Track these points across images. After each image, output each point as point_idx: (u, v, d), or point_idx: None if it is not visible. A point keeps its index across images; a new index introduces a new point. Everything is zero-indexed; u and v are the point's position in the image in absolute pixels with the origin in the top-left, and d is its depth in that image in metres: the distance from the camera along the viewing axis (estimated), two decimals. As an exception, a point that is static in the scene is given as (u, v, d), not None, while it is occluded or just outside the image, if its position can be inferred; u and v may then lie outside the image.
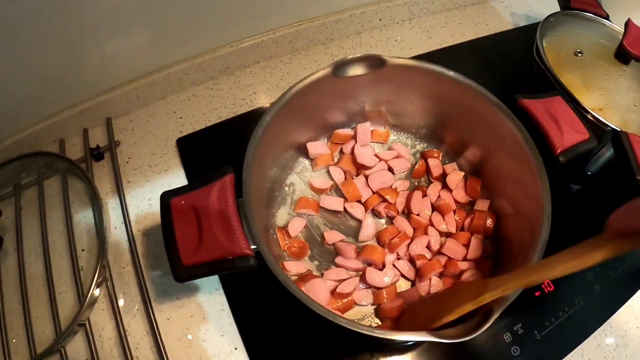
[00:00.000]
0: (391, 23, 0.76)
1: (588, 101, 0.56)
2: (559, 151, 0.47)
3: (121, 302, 0.51)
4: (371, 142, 0.60)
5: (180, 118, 0.63)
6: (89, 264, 0.53)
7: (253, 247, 0.39)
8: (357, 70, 0.50)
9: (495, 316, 0.37)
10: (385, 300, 0.49)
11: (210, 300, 0.52)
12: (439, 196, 0.57)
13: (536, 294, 0.53)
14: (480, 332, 0.36)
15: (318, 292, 0.47)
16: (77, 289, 0.51)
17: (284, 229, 0.53)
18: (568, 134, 0.48)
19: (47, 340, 0.49)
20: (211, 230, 0.38)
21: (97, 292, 0.51)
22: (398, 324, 0.48)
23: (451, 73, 0.52)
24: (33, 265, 0.53)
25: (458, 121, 0.57)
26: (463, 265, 0.51)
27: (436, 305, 0.44)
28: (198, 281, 0.52)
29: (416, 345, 0.49)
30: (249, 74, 0.67)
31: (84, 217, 0.56)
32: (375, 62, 0.50)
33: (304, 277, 0.50)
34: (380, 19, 0.75)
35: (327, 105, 0.56)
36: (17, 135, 0.58)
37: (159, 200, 0.39)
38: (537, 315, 0.51)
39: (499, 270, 0.51)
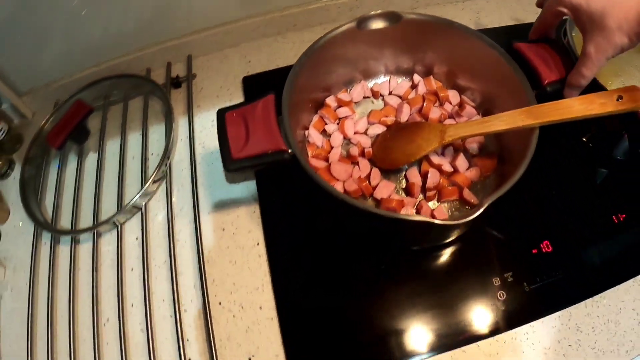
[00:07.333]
0: None
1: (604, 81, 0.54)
2: (546, 82, 0.50)
3: (175, 198, 0.58)
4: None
5: (249, 62, 0.71)
6: (155, 164, 0.61)
7: (289, 150, 0.46)
8: (378, 24, 0.56)
9: (485, 207, 0.40)
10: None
11: (246, 203, 0.57)
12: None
13: (533, 251, 0.52)
14: (468, 219, 0.39)
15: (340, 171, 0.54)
16: (141, 182, 0.60)
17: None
18: (555, 71, 0.51)
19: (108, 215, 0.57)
20: (256, 133, 0.46)
21: (155, 185, 0.59)
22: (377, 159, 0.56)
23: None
24: (109, 162, 0.62)
25: (465, 68, 0.59)
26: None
27: (407, 145, 0.53)
28: (238, 188, 0.58)
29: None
30: (313, 32, 0.75)
31: (158, 129, 0.65)
32: (393, 17, 0.55)
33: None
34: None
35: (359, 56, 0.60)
36: (112, 62, 0.69)
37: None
38: (529, 270, 0.51)
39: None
